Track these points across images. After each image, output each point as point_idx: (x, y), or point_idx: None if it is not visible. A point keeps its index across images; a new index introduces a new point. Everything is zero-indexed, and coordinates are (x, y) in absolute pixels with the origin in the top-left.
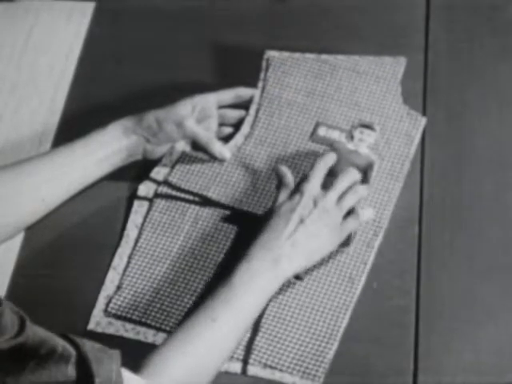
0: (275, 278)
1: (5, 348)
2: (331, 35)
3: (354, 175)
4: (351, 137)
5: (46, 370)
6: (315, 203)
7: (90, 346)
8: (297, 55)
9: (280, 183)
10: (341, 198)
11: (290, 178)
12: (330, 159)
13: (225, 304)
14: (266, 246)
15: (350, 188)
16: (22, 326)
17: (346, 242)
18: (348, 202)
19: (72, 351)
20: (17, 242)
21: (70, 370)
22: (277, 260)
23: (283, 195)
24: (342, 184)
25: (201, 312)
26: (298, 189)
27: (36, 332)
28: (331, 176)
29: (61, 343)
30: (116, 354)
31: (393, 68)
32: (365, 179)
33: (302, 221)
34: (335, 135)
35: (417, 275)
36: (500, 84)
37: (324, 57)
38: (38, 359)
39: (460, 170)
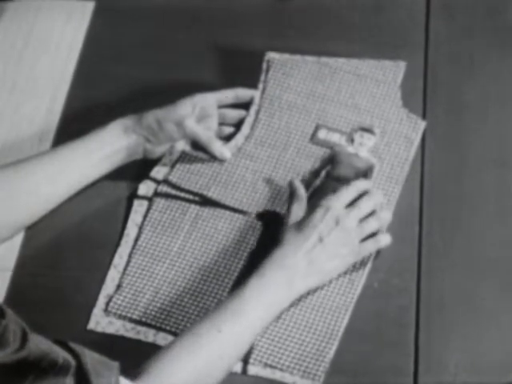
0: (287, 297)
1: (7, 362)
2: (331, 35)
3: (378, 197)
4: (351, 140)
5: (45, 382)
6: (337, 222)
7: (89, 357)
8: (297, 57)
9: (292, 197)
10: (363, 219)
11: (302, 192)
12: (363, 185)
13: (232, 316)
14: (281, 263)
15: (373, 211)
16: (24, 339)
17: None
18: (370, 227)
19: (71, 362)
20: (17, 241)
21: (69, 382)
22: (291, 280)
23: (297, 209)
24: (366, 204)
25: (207, 322)
26: (322, 204)
27: (37, 344)
28: (331, 179)
29: (61, 354)
30: (115, 366)
31: (392, 72)
32: None
33: (320, 239)
34: (335, 138)
35: (417, 275)
36: (500, 84)
37: (324, 59)
38: (38, 371)
39: (460, 170)
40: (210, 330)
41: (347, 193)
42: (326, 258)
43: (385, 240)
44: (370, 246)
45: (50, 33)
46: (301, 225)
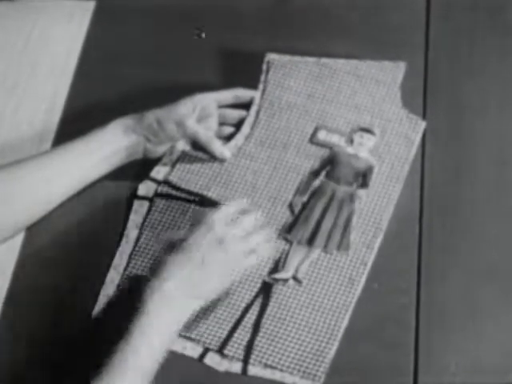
0: (173, 323)
1: None
2: (331, 35)
3: (259, 216)
4: (351, 141)
5: None
6: (220, 241)
7: None
8: (297, 58)
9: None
10: (246, 236)
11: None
12: (241, 204)
13: (131, 359)
14: (163, 290)
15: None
16: None
17: (345, 248)
18: (253, 242)
19: None
20: (17, 241)
21: None
22: (174, 305)
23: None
24: (248, 221)
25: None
26: (204, 222)
27: None
28: (331, 179)
29: None
30: None
31: (392, 72)
32: (364, 183)
33: (203, 259)
34: (335, 139)
35: (417, 275)
36: (500, 84)
37: (324, 60)
38: None
39: (460, 170)
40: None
41: (228, 208)
42: (210, 278)
43: (266, 251)
44: (253, 261)
45: (51, 33)
46: (182, 245)
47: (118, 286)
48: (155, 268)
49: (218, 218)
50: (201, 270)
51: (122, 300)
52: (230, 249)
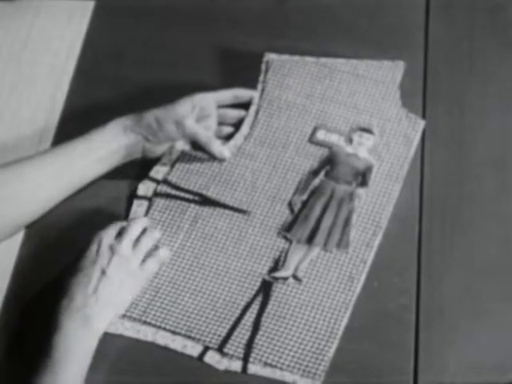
0: (88, 339)
1: None
2: (331, 35)
3: (144, 221)
4: (350, 140)
5: None
6: (112, 251)
7: None
8: (296, 58)
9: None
10: (136, 242)
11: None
12: (139, 225)
13: (53, 379)
14: (71, 310)
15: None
16: None
17: (345, 246)
18: (144, 245)
19: None
20: (17, 241)
21: None
22: (86, 320)
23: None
24: (134, 227)
25: None
26: (92, 239)
27: None
28: (330, 179)
29: None
30: None
31: (391, 72)
32: (363, 182)
33: (103, 272)
34: (334, 138)
35: (417, 274)
36: (500, 84)
37: (323, 60)
38: None
39: (460, 170)
40: None
41: (113, 225)
42: (114, 289)
43: (164, 253)
44: (152, 265)
45: (50, 33)
46: (79, 265)
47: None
48: (62, 291)
49: (105, 232)
50: (105, 282)
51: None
52: (124, 254)
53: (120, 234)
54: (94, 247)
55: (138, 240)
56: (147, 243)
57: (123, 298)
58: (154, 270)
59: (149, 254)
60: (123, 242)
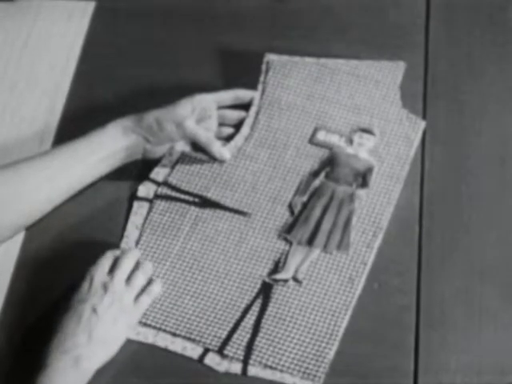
0: (77, 380)
1: None
2: (331, 35)
3: (136, 253)
4: (350, 141)
5: None
6: (105, 288)
7: None
8: (296, 58)
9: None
10: (129, 277)
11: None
12: (131, 259)
13: None
14: (61, 349)
15: (137, 265)
16: None
17: (345, 247)
18: (138, 281)
19: None
20: (17, 241)
21: None
22: (76, 361)
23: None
24: (127, 262)
25: None
26: (85, 277)
27: None
28: (331, 180)
29: None
30: None
31: (392, 72)
32: (364, 183)
33: (94, 310)
34: (335, 139)
35: (417, 275)
36: (500, 84)
37: (323, 60)
38: None
39: (460, 169)
40: None
41: (105, 259)
42: (106, 328)
43: (157, 288)
44: (146, 300)
45: (51, 33)
46: (70, 303)
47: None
48: (53, 329)
49: (97, 268)
50: (97, 320)
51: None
52: (117, 291)
53: (112, 268)
54: (85, 284)
55: (130, 275)
56: (140, 278)
57: (117, 336)
58: (147, 304)
59: (142, 289)
60: (115, 278)
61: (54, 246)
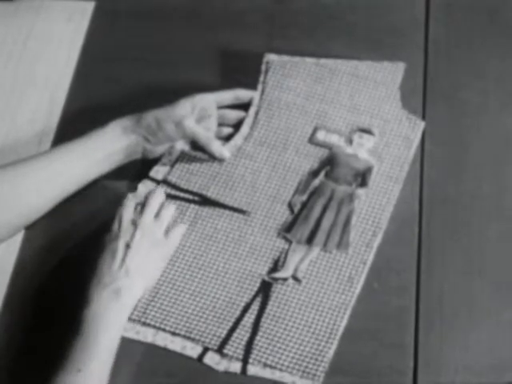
0: (120, 312)
1: None
2: (331, 35)
3: (162, 194)
4: (350, 141)
5: None
6: (135, 225)
7: None
8: (296, 59)
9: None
10: (157, 214)
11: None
12: (158, 199)
13: (85, 352)
14: (102, 285)
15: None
16: None
17: (345, 247)
18: (166, 215)
19: None
20: (17, 241)
21: None
22: (117, 293)
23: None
24: (153, 200)
25: (64, 365)
26: (114, 217)
27: None
28: (330, 180)
29: None
30: None
31: (392, 73)
32: (363, 183)
33: (128, 246)
34: (334, 139)
35: (416, 275)
36: (500, 84)
37: (323, 61)
38: None
39: (460, 169)
40: (71, 372)
41: (130, 200)
42: (141, 261)
43: (183, 226)
44: (176, 234)
45: (50, 33)
46: (104, 242)
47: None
48: (90, 270)
49: (125, 208)
50: (131, 255)
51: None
52: (147, 226)
53: (139, 208)
54: (116, 224)
55: (157, 213)
56: (167, 215)
57: (152, 269)
58: (178, 239)
59: (170, 225)
60: (144, 214)
61: (54, 245)
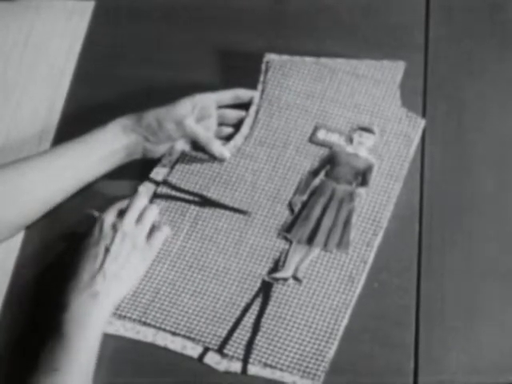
0: (98, 315)
1: None
2: (331, 35)
3: (144, 199)
4: (350, 140)
5: None
6: (115, 230)
7: None
8: (296, 58)
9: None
10: (139, 218)
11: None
12: (141, 203)
13: (62, 353)
14: (79, 288)
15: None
16: None
17: (345, 246)
18: (147, 219)
19: None
20: (17, 241)
21: None
22: (94, 297)
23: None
24: (135, 204)
25: (41, 365)
26: (95, 223)
27: None
28: (330, 179)
29: None
30: None
31: (392, 72)
32: (364, 182)
33: (107, 250)
34: (334, 138)
35: (417, 274)
36: (500, 84)
37: (323, 60)
38: None
39: (460, 169)
40: (47, 371)
41: (113, 207)
42: (120, 266)
43: (166, 229)
44: (158, 239)
45: (50, 32)
46: (83, 246)
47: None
48: (69, 272)
49: (107, 212)
50: (110, 258)
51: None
52: (128, 230)
53: (122, 213)
54: (96, 228)
55: (140, 217)
56: (149, 219)
57: (132, 273)
58: (160, 243)
59: (152, 230)
60: (126, 219)
61: (54, 245)
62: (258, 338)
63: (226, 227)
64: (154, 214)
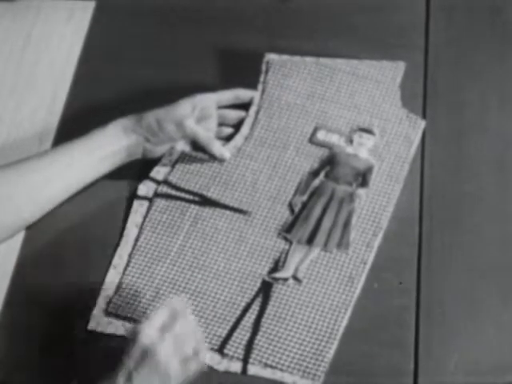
0: None
1: None
2: (331, 35)
3: (191, 318)
4: (350, 140)
5: None
6: (146, 353)
7: None
8: (296, 58)
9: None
10: (180, 342)
11: None
12: (177, 303)
13: None
14: None
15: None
16: None
17: (345, 246)
18: (188, 346)
19: None
20: (17, 241)
21: None
22: None
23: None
24: (181, 325)
25: None
26: (130, 331)
27: None
28: (330, 180)
29: None
30: None
31: (392, 72)
32: (364, 183)
33: (129, 378)
34: (334, 139)
35: (417, 275)
36: (500, 84)
37: (323, 60)
38: None
39: (460, 169)
40: None
41: (158, 315)
42: None
43: (203, 355)
44: (194, 366)
45: (51, 32)
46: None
47: None
48: None
49: (144, 328)
50: None
51: None
52: (161, 359)
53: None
54: (132, 347)
55: (181, 340)
56: (190, 345)
57: None
58: (195, 370)
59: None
60: (163, 343)
61: (54, 245)
62: (257, 337)
63: (226, 227)
64: (195, 341)
